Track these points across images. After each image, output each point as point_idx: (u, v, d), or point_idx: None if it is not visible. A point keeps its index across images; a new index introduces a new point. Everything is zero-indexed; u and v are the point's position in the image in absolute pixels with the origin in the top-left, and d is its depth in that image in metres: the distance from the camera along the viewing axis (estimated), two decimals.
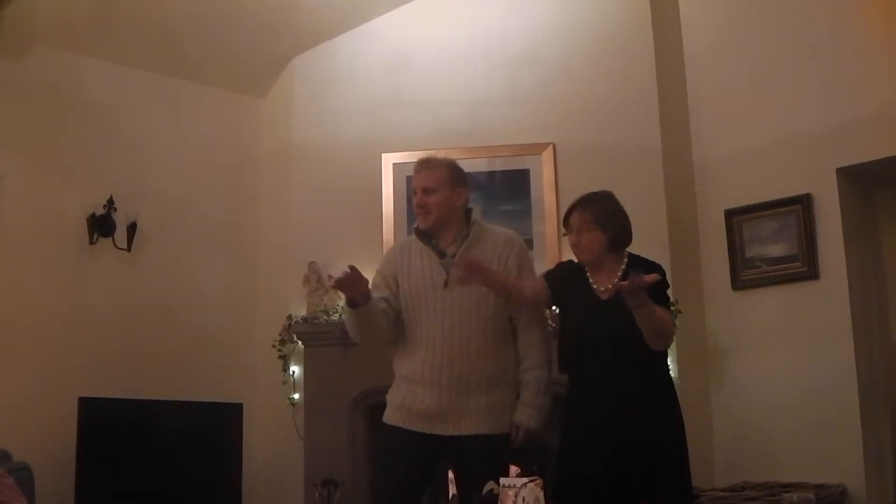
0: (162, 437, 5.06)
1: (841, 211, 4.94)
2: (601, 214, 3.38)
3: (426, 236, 3.51)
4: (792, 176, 5.10)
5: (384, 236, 5.46)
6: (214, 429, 5.24)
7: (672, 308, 4.99)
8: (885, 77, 4.85)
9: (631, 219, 3.51)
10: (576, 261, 3.45)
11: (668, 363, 3.47)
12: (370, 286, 3.36)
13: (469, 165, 5.46)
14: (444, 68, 5.68)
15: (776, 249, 5.15)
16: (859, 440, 4.69)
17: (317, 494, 4.98)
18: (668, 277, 5.00)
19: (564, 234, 3.50)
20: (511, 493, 2.50)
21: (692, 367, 5.20)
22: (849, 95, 4.95)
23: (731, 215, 5.31)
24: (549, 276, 3.47)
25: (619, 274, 3.31)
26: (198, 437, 5.15)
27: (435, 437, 3.37)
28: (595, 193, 3.48)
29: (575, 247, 3.41)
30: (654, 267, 3.31)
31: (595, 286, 3.34)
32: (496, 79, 5.62)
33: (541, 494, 2.48)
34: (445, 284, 3.39)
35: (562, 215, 3.55)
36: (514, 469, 2.64)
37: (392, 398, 3.51)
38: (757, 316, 5.17)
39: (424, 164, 3.53)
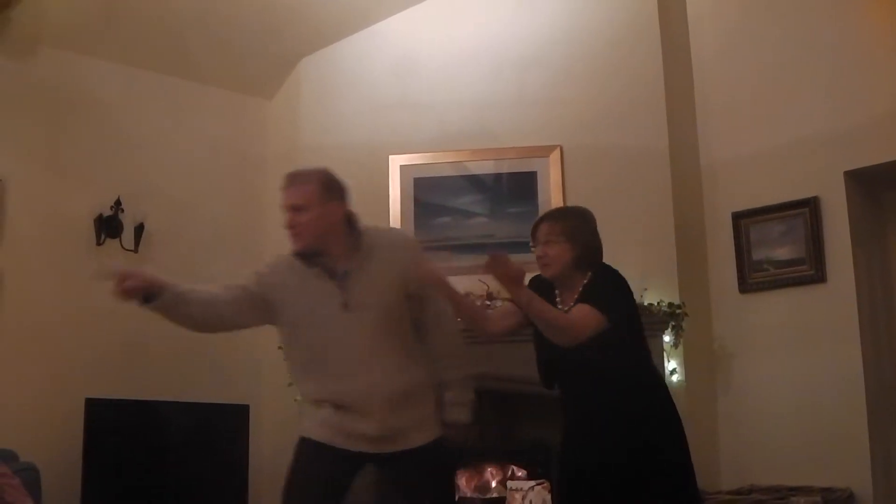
0: (168, 439, 5.06)
1: (849, 214, 4.94)
2: (570, 228, 3.23)
3: (309, 256, 3.16)
4: (799, 179, 5.09)
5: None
6: (220, 430, 5.24)
7: (679, 311, 5.01)
8: (892, 80, 4.84)
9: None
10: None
11: (654, 364, 3.36)
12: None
13: (476, 167, 5.53)
14: (451, 70, 5.69)
15: (783, 252, 5.15)
16: (866, 444, 4.69)
17: None
18: (675, 282, 5.09)
19: (531, 247, 3.31)
20: (518, 496, 2.49)
21: (699, 370, 5.19)
22: (856, 98, 4.95)
23: (739, 218, 5.30)
24: (532, 283, 3.29)
25: (581, 290, 3.19)
26: (204, 438, 5.15)
27: (362, 455, 3.17)
28: (569, 208, 3.40)
29: (540, 258, 3.24)
30: (610, 277, 3.22)
31: (561, 306, 3.22)
32: (503, 81, 5.62)
33: (548, 497, 2.48)
34: (346, 306, 3.10)
35: None
36: (520, 471, 2.64)
37: (313, 411, 3.26)
38: (764, 319, 5.17)
39: (292, 180, 3.17)
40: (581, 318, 3.07)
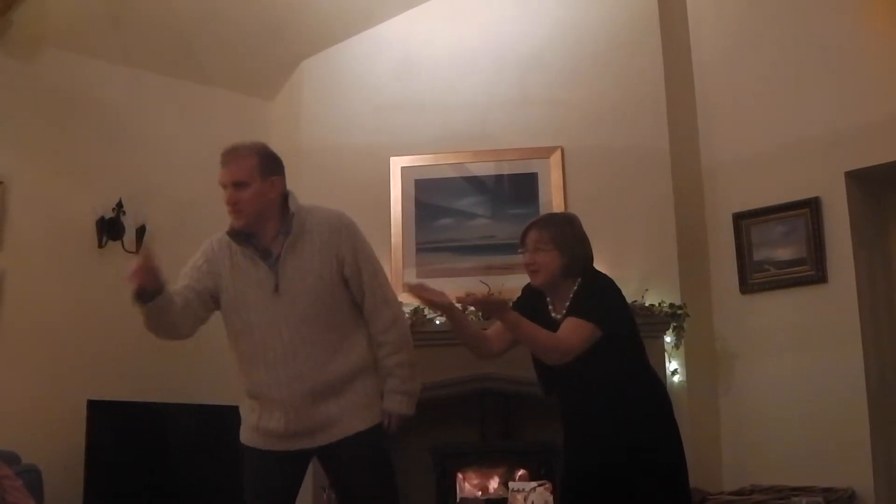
0: (170, 440, 5.07)
1: (849, 214, 4.94)
2: (560, 236, 3.20)
3: (243, 236, 3.13)
4: (800, 179, 5.10)
5: (392, 239, 5.47)
6: (223, 431, 5.17)
7: (680, 311, 5.02)
8: (893, 81, 4.84)
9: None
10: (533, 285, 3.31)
11: (650, 364, 3.32)
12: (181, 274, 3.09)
13: (477, 169, 5.54)
14: (453, 72, 5.69)
15: (785, 253, 5.15)
16: (868, 444, 4.69)
17: (325, 498, 4.97)
18: (676, 283, 5.09)
19: (519, 252, 3.30)
20: (520, 496, 2.50)
21: (700, 371, 5.20)
22: (857, 99, 4.95)
23: (740, 219, 5.31)
24: (517, 303, 3.30)
25: (570, 297, 3.17)
26: (206, 439, 5.15)
27: (303, 451, 3.13)
28: (557, 214, 3.35)
29: (529, 265, 3.22)
30: (598, 281, 3.20)
31: (553, 314, 3.21)
32: (505, 82, 5.63)
33: (550, 498, 2.48)
34: (276, 289, 3.06)
35: None
36: (522, 472, 2.64)
37: (246, 415, 3.18)
38: (765, 320, 5.17)
39: (231, 154, 3.12)
40: (569, 334, 3.04)
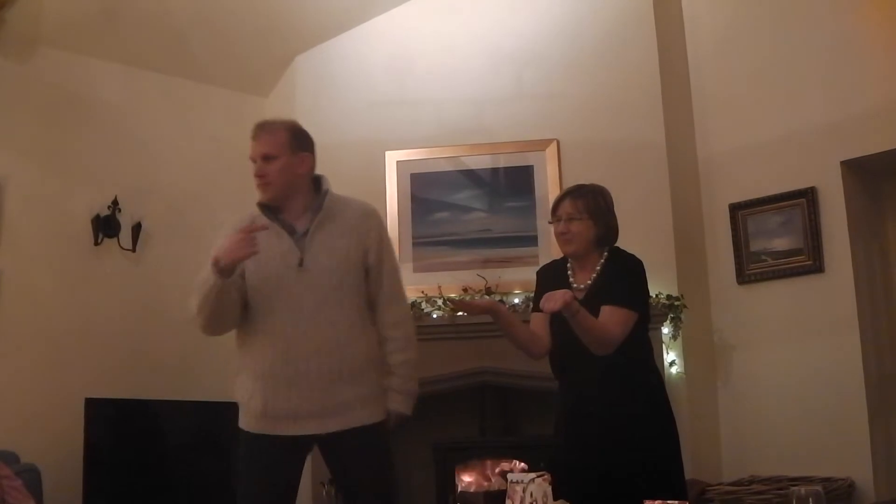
0: (169, 438, 5.06)
1: (846, 204, 4.93)
2: (594, 205, 3.24)
3: (271, 210, 3.15)
4: (796, 169, 5.09)
5: (389, 234, 5.45)
6: (221, 428, 5.18)
7: (678, 303, 5.02)
8: (889, 70, 4.84)
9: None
10: (561, 253, 3.35)
11: (652, 355, 3.36)
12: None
13: (473, 162, 5.53)
14: (448, 66, 5.68)
15: (781, 243, 5.15)
16: (866, 433, 4.69)
17: (324, 493, 4.97)
18: (673, 274, 5.09)
19: (550, 223, 3.32)
20: (519, 488, 2.49)
21: (698, 362, 5.20)
22: (853, 88, 4.94)
23: (736, 209, 5.30)
24: (541, 288, 3.29)
25: (598, 269, 3.22)
26: (204, 436, 5.14)
27: (308, 437, 3.08)
28: (589, 185, 3.35)
29: (562, 235, 3.24)
30: (629, 262, 3.24)
31: (574, 284, 3.23)
32: (500, 76, 5.62)
33: (549, 490, 2.48)
34: (301, 264, 3.05)
35: None
36: (520, 465, 2.64)
37: (247, 401, 3.10)
38: (763, 310, 5.17)
39: (261, 129, 3.18)
40: (615, 325, 3.07)
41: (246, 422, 3.14)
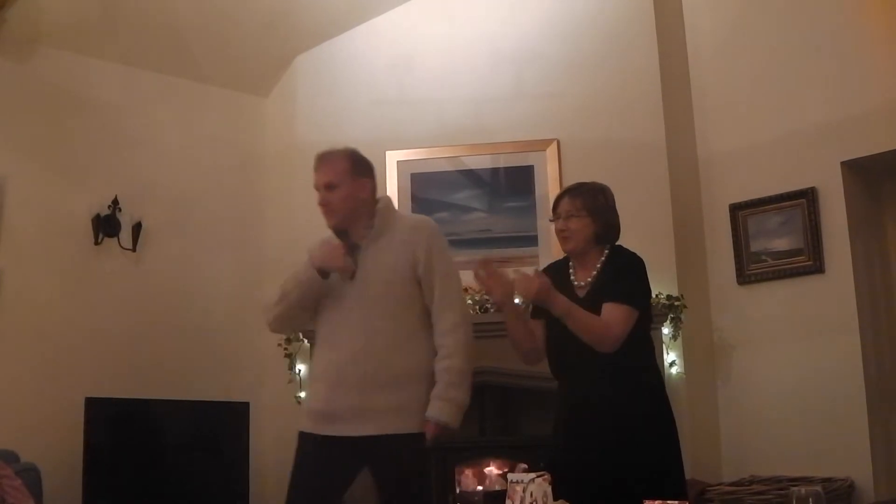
0: (168, 437, 5.07)
1: (846, 204, 4.93)
2: (592, 203, 3.25)
3: (339, 232, 3.34)
4: (797, 170, 5.09)
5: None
6: (221, 428, 5.24)
7: (678, 303, 5.02)
8: (889, 70, 4.84)
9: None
10: (562, 252, 3.35)
11: (654, 354, 3.34)
12: None
13: (473, 162, 5.53)
14: (448, 65, 5.68)
15: (781, 243, 5.15)
16: (866, 433, 4.69)
17: None
18: (673, 274, 5.09)
19: (551, 220, 3.33)
20: (519, 488, 2.49)
21: (698, 362, 5.20)
22: (853, 88, 4.94)
23: (736, 210, 5.30)
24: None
25: (598, 267, 3.22)
26: (204, 436, 5.16)
27: (347, 440, 3.16)
28: (590, 183, 3.36)
29: (561, 232, 3.25)
30: (630, 259, 3.22)
31: (575, 282, 3.24)
32: (500, 76, 5.62)
33: (549, 490, 2.47)
34: (352, 276, 3.24)
35: None
36: (521, 465, 2.63)
37: (304, 402, 3.38)
38: (763, 310, 5.17)
39: (323, 159, 3.36)
40: (616, 322, 3.07)
41: (302, 421, 3.34)
